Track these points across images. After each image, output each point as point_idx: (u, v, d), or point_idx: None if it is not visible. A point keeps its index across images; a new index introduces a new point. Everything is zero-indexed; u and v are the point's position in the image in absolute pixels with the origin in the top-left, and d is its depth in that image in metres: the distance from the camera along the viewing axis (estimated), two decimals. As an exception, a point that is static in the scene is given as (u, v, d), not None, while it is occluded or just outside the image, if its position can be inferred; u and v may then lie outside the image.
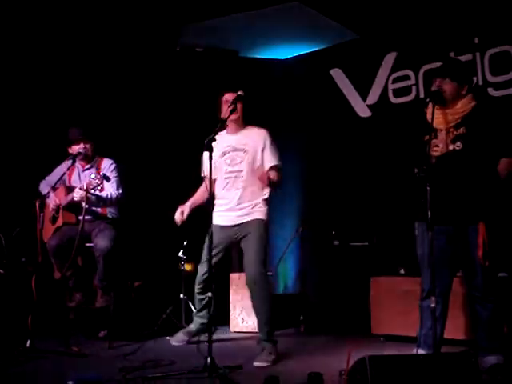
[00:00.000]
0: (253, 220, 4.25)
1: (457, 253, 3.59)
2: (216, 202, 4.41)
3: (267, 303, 4.19)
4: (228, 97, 4.32)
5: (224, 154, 4.35)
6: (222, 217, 4.37)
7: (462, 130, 3.53)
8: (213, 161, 4.20)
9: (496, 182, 3.53)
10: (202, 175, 4.38)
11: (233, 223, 4.31)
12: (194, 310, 5.48)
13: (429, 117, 3.56)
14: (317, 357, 4.20)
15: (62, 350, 4.27)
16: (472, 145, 3.49)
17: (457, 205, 3.50)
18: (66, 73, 6.03)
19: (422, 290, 3.66)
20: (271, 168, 4.29)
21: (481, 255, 3.43)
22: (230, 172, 4.33)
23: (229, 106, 4.10)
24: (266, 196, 4.33)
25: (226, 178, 4.35)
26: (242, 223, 4.28)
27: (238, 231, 4.30)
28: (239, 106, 4.25)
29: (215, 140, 3.82)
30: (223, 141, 4.31)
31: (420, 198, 3.57)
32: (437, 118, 3.55)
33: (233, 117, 4.20)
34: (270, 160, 4.31)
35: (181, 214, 4.51)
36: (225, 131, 4.39)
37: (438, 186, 3.41)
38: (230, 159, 4.34)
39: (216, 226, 4.33)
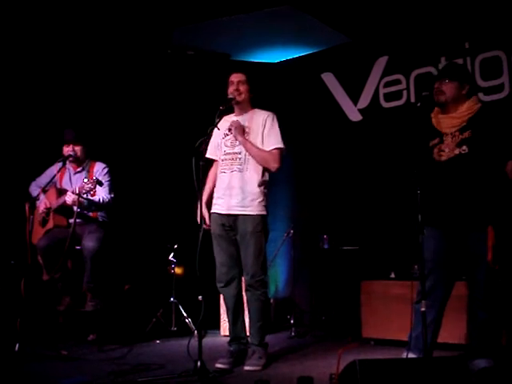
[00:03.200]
0: (252, 216, 4.04)
1: (460, 257, 3.58)
2: (215, 188, 4.24)
3: (263, 310, 4.12)
4: (233, 78, 4.22)
5: (226, 135, 4.22)
6: (219, 205, 4.15)
7: (467, 133, 3.48)
8: (215, 142, 4.26)
9: (504, 185, 3.51)
10: (208, 156, 4.25)
11: (228, 212, 4.08)
12: (184, 313, 5.48)
13: (434, 121, 3.57)
14: (307, 361, 4.19)
15: (51, 354, 4.25)
16: (478, 148, 3.46)
17: (464, 209, 3.48)
18: (58, 74, 6.00)
19: (418, 293, 3.66)
20: (271, 150, 4.11)
21: (490, 259, 3.42)
22: (228, 153, 4.16)
23: (220, 108, 4.07)
24: (265, 189, 4.12)
25: (223, 160, 4.18)
26: (240, 216, 4.05)
27: (235, 224, 4.07)
28: (244, 88, 4.19)
29: (204, 144, 3.81)
30: (228, 122, 4.22)
31: (426, 202, 3.57)
32: (442, 122, 3.55)
33: (238, 98, 4.15)
34: (271, 141, 4.12)
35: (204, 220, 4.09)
36: (233, 113, 4.29)
37: (445, 190, 3.41)
38: (230, 141, 4.18)
39: (214, 214, 4.18)
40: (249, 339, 4.15)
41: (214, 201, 4.22)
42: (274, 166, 4.12)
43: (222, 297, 4.37)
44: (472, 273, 3.57)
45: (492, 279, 3.48)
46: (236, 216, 4.07)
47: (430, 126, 3.65)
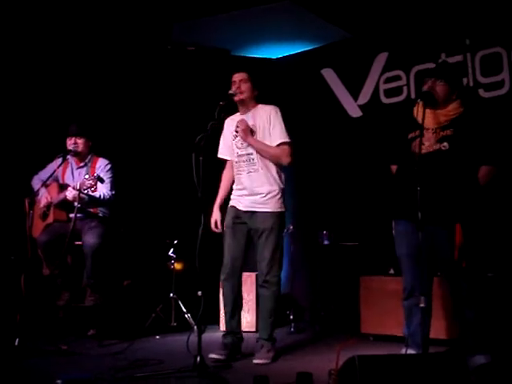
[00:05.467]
0: (269, 213, 4.09)
1: (437, 252, 3.60)
2: (234, 186, 4.31)
3: (277, 306, 4.14)
4: (235, 77, 4.24)
5: (235, 136, 4.25)
6: (237, 201, 4.23)
7: (449, 131, 3.54)
8: (227, 143, 4.33)
9: (476, 186, 3.54)
10: (220, 156, 4.36)
11: (247, 209, 4.15)
12: (183, 309, 5.48)
13: (417, 115, 3.59)
14: (306, 356, 4.21)
15: (51, 349, 4.25)
16: (458, 146, 3.51)
17: (439, 204, 3.51)
18: (60, 70, 6.00)
19: (404, 289, 3.68)
20: (279, 145, 4.15)
21: (456, 257, 3.44)
22: (241, 156, 4.21)
23: (219, 104, 4.07)
24: (282, 184, 4.19)
25: (236, 162, 4.24)
26: (258, 213, 4.11)
27: (252, 220, 4.13)
28: (246, 86, 4.20)
29: (204, 140, 3.82)
30: (235, 122, 4.23)
31: (398, 195, 3.60)
32: (426, 117, 3.56)
33: (239, 97, 4.17)
34: (276, 136, 4.16)
35: (215, 223, 4.27)
36: (239, 112, 4.31)
37: (421, 184, 3.42)
38: (241, 142, 4.21)
39: (231, 207, 4.25)
40: (258, 333, 4.18)
41: (232, 196, 4.29)
42: (286, 160, 4.18)
43: (221, 291, 4.38)
44: (450, 271, 3.58)
45: (473, 276, 3.50)
46: (254, 212, 4.12)
47: (411, 118, 3.69)
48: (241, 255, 4.19)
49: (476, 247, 3.55)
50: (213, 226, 4.27)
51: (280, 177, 4.20)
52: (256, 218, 4.12)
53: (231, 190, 4.34)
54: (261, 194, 4.11)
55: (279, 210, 4.14)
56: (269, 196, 4.11)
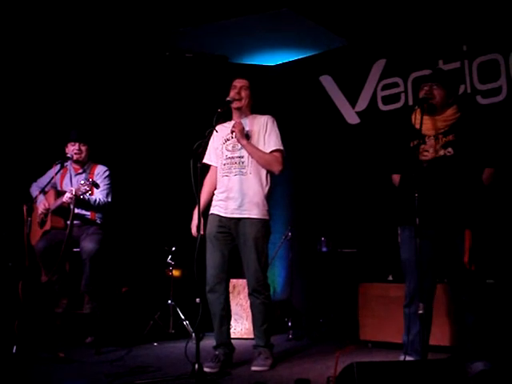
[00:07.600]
0: (253, 219, 4.01)
1: (442, 257, 3.60)
2: (216, 191, 4.22)
3: (268, 313, 4.08)
4: (236, 83, 4.23)
5: (226, 140, 4.21)
6: (220, 207, 4.12)
7: (451, 137, 3.56)
8: (215, 148, 4.27)
9: (483, 190, 3.56)
10: (205, 161, 4.25)
11: (232, 215, 4.05)
12: (181, 316, 5.47)
13: (415, 122, 3.59)
14: (304, 363, 4.19)
15: (48, 356, 4.23)
16: (463, 151, 3.52)
17: (445, 209, 3.51)
18: (58, 77, 6.01)
19: (406, 296, 3.67)
20: (272, 152, 4.11)
21: (467, 260, 3.44)
22: (230, 158, 4.14)
23: (218, 111, 4.07)
24: (267, 192, 4.11)
25: (224, 164, 4.16)
26: (241, 219, 4.03)
27: (238, 228, 4.05)
28: (246, 93, 4.21)
29: (202, 147, 3.81)
30: (227, 128, 4.22)
31: (404, 202, 3.59)
32: (425, 123, 3.57)
33: (237, 104, 4.17)
34: (271, 143, 4.13)
35: (196, 228, 4.10)
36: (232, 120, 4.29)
37: (427, 189, 3.43)
38: (232, 145, 4.17)
39: (214, 215, 4.15)
40: (254, 341, 4.13)
41: (213, 203, 4.20)
42: (277, 168, 4.13)
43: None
44: (454, 276, 3.58)
45: (476, 281, 3.50)
46: (238, 219, 4.05)
47: (409, 126, 3.71)
48: (225, 267, 4.09)
49: (484, 251, 3.56)
50: (194, 231, 4.19)
51: (267, 185, 4.14)
52: (239, 225, 4.05)
53: (212, 196, 4.27)
54: (244, 198, 4.04)
55: (263, 217, 4.07)
56: (252, 202, 4.04)
